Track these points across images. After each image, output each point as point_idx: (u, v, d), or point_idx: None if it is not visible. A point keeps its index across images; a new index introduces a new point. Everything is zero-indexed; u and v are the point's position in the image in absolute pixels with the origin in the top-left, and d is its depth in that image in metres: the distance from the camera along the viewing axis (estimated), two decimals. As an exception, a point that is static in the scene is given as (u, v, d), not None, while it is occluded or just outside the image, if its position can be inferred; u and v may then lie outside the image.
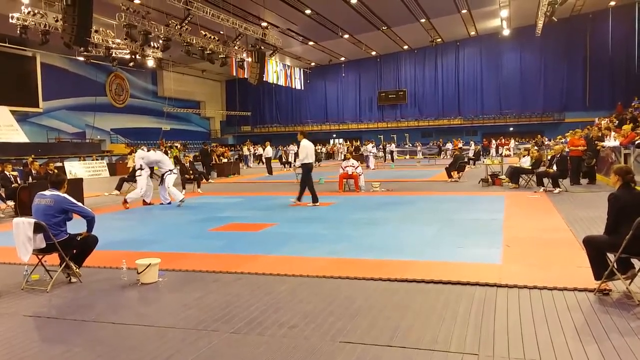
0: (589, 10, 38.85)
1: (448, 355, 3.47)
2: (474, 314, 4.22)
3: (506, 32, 40.16)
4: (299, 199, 12.11)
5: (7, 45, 26.50)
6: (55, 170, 15.07)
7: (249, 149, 39.55)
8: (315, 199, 11.92)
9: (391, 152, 39.78)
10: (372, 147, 29.29)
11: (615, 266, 4.48)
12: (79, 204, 5.80)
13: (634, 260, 4.59)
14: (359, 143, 39.70)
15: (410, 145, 45.98)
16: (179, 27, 25.00)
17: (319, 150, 42.99)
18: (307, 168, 11.93)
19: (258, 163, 37.03)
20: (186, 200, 12.96)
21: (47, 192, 5.66)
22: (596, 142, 15.27)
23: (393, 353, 3.54)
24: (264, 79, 33.07)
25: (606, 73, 40.50)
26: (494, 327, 3.94)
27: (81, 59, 31.14)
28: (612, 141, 15.49)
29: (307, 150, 11.97)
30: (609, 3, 37.44)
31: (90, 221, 5.71)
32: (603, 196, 11.30)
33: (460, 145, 36.16)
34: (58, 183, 5.82)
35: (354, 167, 15.13)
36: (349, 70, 51.13)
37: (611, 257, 4.55)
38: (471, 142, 40.33)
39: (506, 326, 3.94)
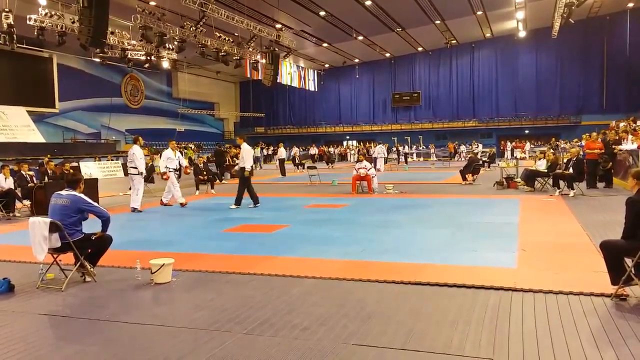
0: (607, 12, 38.41)
1: (462, 359, 3.44)
2: (489, 318, 4.18)
3: (522, 33, 39.84)
4: (237, 203, 12.16)
5: (24, 46, 26.79)
6: (71, 170, 15.23)
7: (261, 150, 39.83)
8: (256, 201, 12.23)
9: (405, 155, 39.66)
10: (380, 148, 28.78)
11: (633, 271, 4.41)
12: (95, 204, 5.85)
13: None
14: (371, 145, 39.66)
15: (425, 147, 45.78)
16: (193, 28, 25.14)
17: (332, 152, 43.17)
18: (243, 172, 12.13)
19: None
20: (198, 202, 12.98)
21: (63, 192, 5.71)
22: (613, 145, 15.09)
23: (407, 356, 3.52)
24: (278, 81, 33.11)
25: (623, 75, 39.96)
26: (509, 331, 3.89)
27: (97, 60, 31.44)
28: (629, 144, 15.30)
29: (249, 154, 12.38)
30: (627, 5, 37.00)
31: (105, 221, 5.75)
32: (620, 200, 11.15)
33: (471, 147, 35.99)
34: (74, 182, 5.88)
35: (366, 169, 15.08)
36: (363, 71, 51.02)
37: (629, 262, 4.48)
38: (477, 143, 40.19)
39: (521, 331, 3.89)
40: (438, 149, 43.97)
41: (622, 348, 3.52)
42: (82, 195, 5.74)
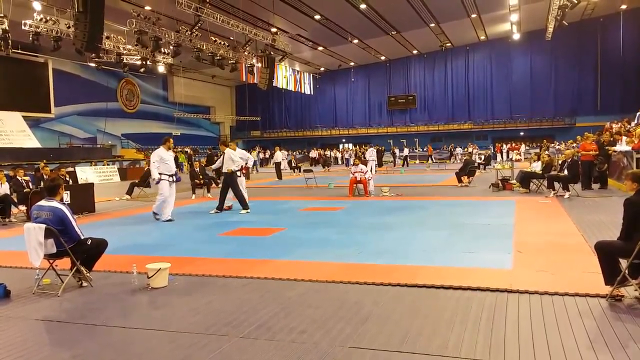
0: (600, 14, 38.64)
1: (458, 361, 3.45)
2: (485, 320, 4.19)
3: (516, 36, 40.04)
4: (219, 208, 12.08)
5: (19, 51, 26.82)
6: (67, 176, 15.19)
7: (258, 154, 39.82)
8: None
9: (402, 157, 39.69)
10: (371, 151, 28.77)
11: (628, 272, 4.43)
12: (74, 222, 5.60)
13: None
14: (367, 148, 39.60)
15: (421, 149, 45.88)
16: (189, 33, 25.20)
17: (328, 155, 43.20)
18: (231, 176, 12.01)
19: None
20: (196, 205, 12.97)
21: (44, 203, 5.58)
22: (607, 146, 15.15)
23: (403, 358, 3.52)
24: (274, 84, 33.17)
25: (617, 77, 40.20)
26: (505, 333, 3.90)
27: (93, 65, 31.51)
28: (623, 146, 15.36)
29: (236, 156, 12.29)
30: (620, 7, 37.21)
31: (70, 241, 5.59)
32: (615, 201, 11.22)
33: (467, 149, 36.05)
34: (53, 189, 5.72)
35: (362, 172, 15.08)
36: (359, 75, 51.15)
37: (623, 262, 4.50)
38: (472, 145, 40.23)
39: (517, 332, 3.90)
40: (435, 152, 44.11)
41: (618, 349, 3.53)
42: (63, 208, 5.56)
